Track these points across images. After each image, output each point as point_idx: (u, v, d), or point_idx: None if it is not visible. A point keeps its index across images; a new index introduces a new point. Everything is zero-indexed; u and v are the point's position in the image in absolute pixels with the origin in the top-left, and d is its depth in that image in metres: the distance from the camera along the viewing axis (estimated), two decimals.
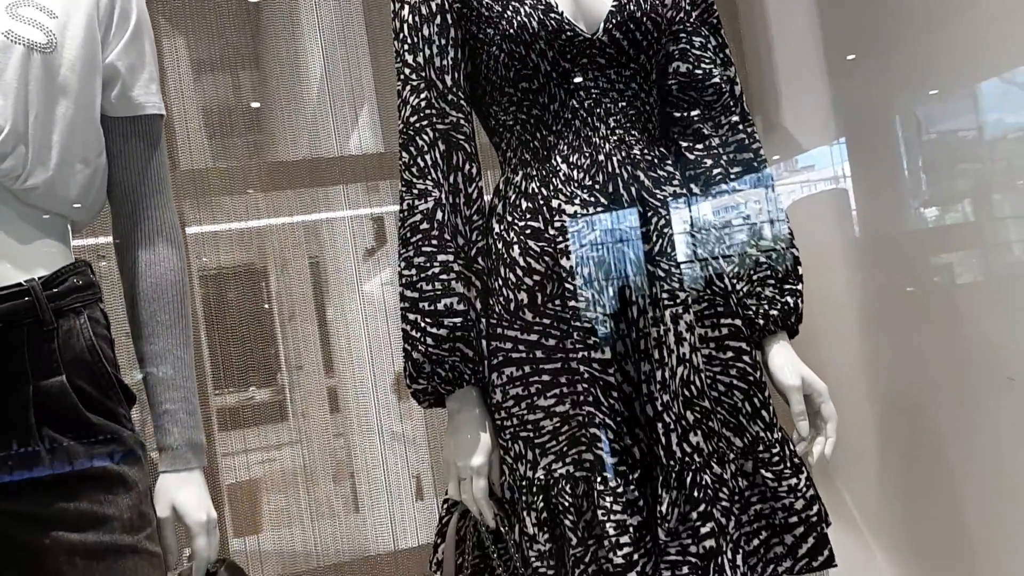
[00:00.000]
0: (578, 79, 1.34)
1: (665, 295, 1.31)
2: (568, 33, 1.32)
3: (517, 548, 1.32)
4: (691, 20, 1.46)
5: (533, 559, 1.30)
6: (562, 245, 1.31)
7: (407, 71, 1.36)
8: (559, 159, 1.35)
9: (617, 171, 1.33)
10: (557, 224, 1.32)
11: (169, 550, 1.22)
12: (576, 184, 1.33)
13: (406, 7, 1.37)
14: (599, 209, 1.32)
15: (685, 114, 1.45)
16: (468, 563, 1.40)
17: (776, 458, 1.32)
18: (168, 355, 1.25)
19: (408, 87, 1.36)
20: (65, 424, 1.09)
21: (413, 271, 1.33)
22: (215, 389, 2.14)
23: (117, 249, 1.29)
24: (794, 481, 1.31)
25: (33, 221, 1.14)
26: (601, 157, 1.34)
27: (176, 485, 1.22)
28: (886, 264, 1.51)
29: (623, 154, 1.35)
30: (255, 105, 2.22)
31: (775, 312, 1.37)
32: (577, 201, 1.32)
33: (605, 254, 1.31)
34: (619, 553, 1.23)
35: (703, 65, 1.45)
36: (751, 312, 1.37)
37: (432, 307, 1.31)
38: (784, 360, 1.36)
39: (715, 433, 1.29)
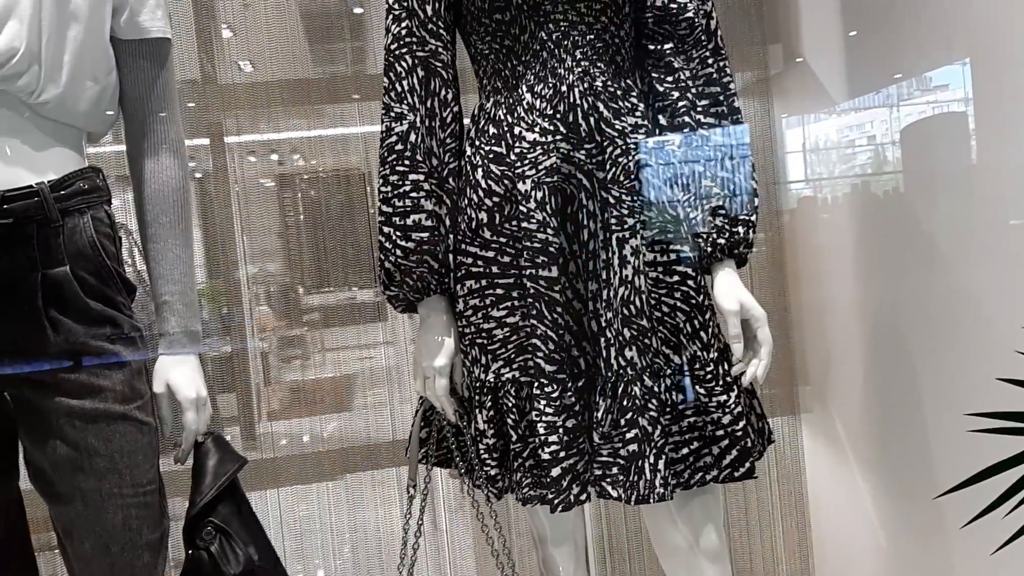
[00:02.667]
0: (547, 11, 1.42)
1: (613, 220, 1.40)
2: None
3: (472, 441, 1.48)
4: None
5: (483, 452, 1.46)
6: (520, 170, 1.41)
7: (391, 1, 1.47)
8: (525, 88, 1.44)
9: (578, 102, 1.42)
10: (517, 150, 1.42)
11: (163, 420, 1.42)
12: (538, 113, 1.42)
13: None
14: (558, 138, 1.41)
15: (658, 47, 1.51)
16: (433, 453, 1.56)
17: (709, 376, 1.42)
18: (168, 253, 1.42)
19: (391, 16, 1.47)
20: (67, 307, 1.28)
21: (388, 188, 1.46)
22: (319, 287, 2.26)
23: (128, 158, 1.45)
24: (724, 398, 1.41)
25: (47, 131, 1.31)
26: (564, 88, 1.42)
27: (171, 366, 1.41)
28: (1000, 194, 1.51)
29: (585, 85, 1.43)
30: (358, 11, 2.29)
31: (722, 241, 1.45)
32: (537, 129, 1.41)
33: (560, 180, 1.41)
34: (547, 450, 1.37)
35: None
36: (701, 240, 1.46)
37: (402, 222, 1.44)
38: (726, 286, 1.44)
39: (650, 349, 1.40)
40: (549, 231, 1.40)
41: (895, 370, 1.86)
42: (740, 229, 1.46)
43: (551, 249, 1.40)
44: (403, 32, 1.46)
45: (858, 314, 2.01)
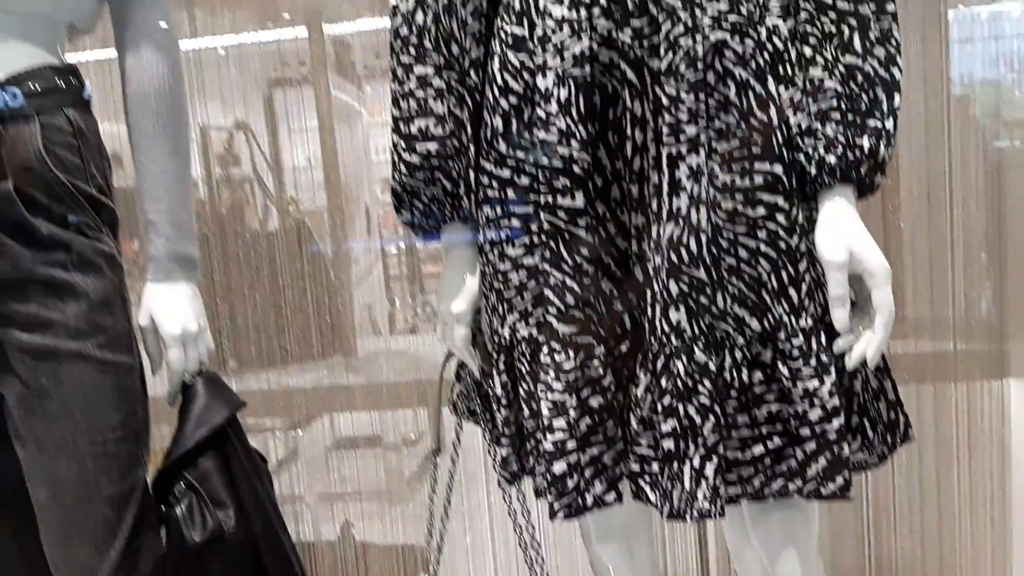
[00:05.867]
0: None
1: (666, 129, 1.01)
2: None
3: (496, 404, 1.18)
4: None
5: (499, 421, 1.15)
6: (540, 59, 1.04)
7: None
8: None
9: None
10: (539, 31, 1.05)
11: (151, 357, 1.25)
12: None
13: None
14: (594, 11, 1.02)
15: None
16: (463, 405, 1.28)
17: (796, 352, 1.00)
18: (152, 165, 1.22)
19: None
20: (11, 230, 1.12)
21: (395, 84, 1.15)
22: None
23: (117, 53, 1.26)
24: (813, 384, 0.99)
25: (1, 24, 1.13)
26: None
27: (156, 295, 1.23)
28: None
29: None
30: None
31: (833, 158, 1.00)
32: (566, 1, 1.03)
33: (597, 72, 1.03)
34: (550, 438, 1.04)
35: None
36: (803, 156, 1.02)
37: (407, 129, 1.14)
38: (833, 225, 1.00)
39: (710, 311, 1.01)
40: (574, 144, 1.03)
41: None
42: (864, 142, 1.00)
43: (575, 169, 1.03)
44: None
45: None
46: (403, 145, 1.14)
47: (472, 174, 1.15)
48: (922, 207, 1.62)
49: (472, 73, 1.14)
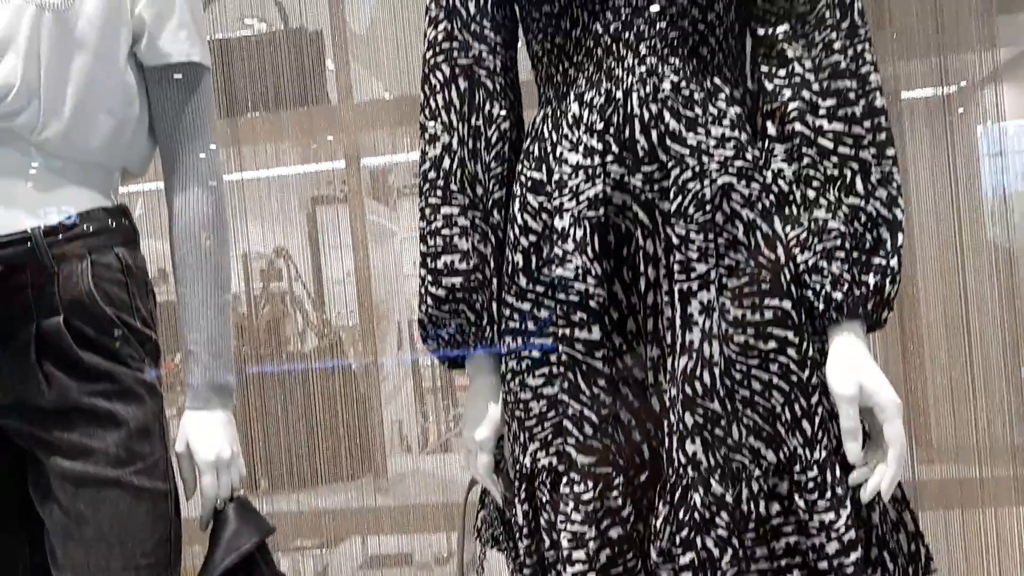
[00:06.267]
0: None
1: (677, 267, 1.06)
2: None
3: (518, 533, 1.20)
4: None
5: (522, 550, 1.17)
6: (557, 202, 1.11)
7: (429, 1, 1.23)
8: (573, 97, 1.13)
9: (636, 111, 1.09)
10: (556, 176, 1.12)
11: (185, 483, 1.29)
12: (585, 127, 1.11)
13: None
14: (607, 159, 1.09)
15: (769, 31, 1.13)
16: (486, 532, 1.30)
17: (811, 484, 1.02)
18: (195, 297, 1.29)
19: (428, 18, 1.23)
20: (61, 361, 1.18)
21: (423, 223, 1.22)
22: None
23: (165, 192, 1.35)
24: (829, 517, 1.01)
25: (56, 169, 1.23)
26: (619, 94, 1.10)
27: (192, 423, 1.28)
28: None
29: (648, 89, 1.09)
30: None
31: (839, 295, 1.04)
32: (581, 148, 1.10)
33: (610, 213, 1.09)
34: (570, 570, 1.05)
35: None
36: (810, 292, 1.06)
37: (433, 264, 1.20)
38: (843, 359, 1.03)
39: (726, 443, 1.03)
40: (590, 280, 1.08)
41: None
42: (869, 279, 1.04)
43: (591, 304, 1.08)
44: (441, 36, 1.21)
45: None
46: (430, 279, 1.20)
47: (495, 306, 1.20)
48: (941, 334, 1.64)
49: (495, 212, 1.20)
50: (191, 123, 1.31)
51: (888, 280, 1.04)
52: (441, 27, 1.21)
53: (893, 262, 1.05)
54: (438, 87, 1.21)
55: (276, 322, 2.45)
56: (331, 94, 2.07)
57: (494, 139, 1.20)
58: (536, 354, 1.13)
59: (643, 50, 1.10)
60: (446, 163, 1.19)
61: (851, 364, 1.03)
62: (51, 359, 1.18)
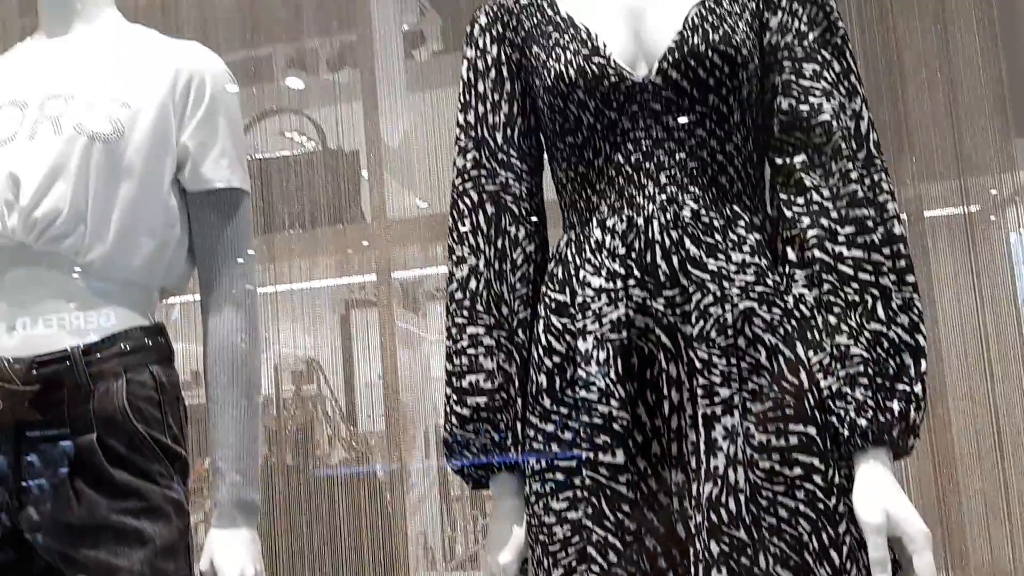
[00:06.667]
0: (626, 129, 1.15)
1: (700, 391, 1.07)
2: (612, 79, 1.14)
3: None
4: (804, 44, 1.17)
5: None
6: (581, 324, 1.13)
7: (458, 131, 1.29)
8: (596, 223, 1.17)
9: (657, 237, 1.12)
10: (580, 299, 1.14)
11: None
12: (607, 252, 1.14)
13: (465, 62, 1.30)
14: (630, 283, 1.12)
15: (786, 160, 1.16)
16: None
17: None
18: (225, 415, 1.32)
19: (457, 148, 1.28)
20: (92, 478, 1.20)
21: (449, 342, 1.25)
22: None
23: (201, 309, 1.39)
24: None
25: (97, 290, 1.27)
26: (641, 221, 1.13)
27: (218, 540, 1.29)
28: None
29: (669, 216, 1.12)
30: None
31: (864, 421, 1.04)
32: (604, 272, 1.13)
33: (631, 336, 1.10)
34: None
35: (811, 98, 1.15)
36: (835, 418, 1.06)
37: (459, 383, 1.22)
38: (869, 487, 1.03)
39: (749, 572, 1.02)
40: (614, 403, 1.09)
41: None
42: (894, 406, 1.04)
43: (615, 426, 1.09)
44: (470, 165, 1.26)
45: None
46: (455, 398, 1.22)
47: (520, 426, 1.21)
48: (973, 454, 1.62)
49: (520, 332, 1.22)
50: (229, 244, 1.35)
51: (913, 406, 1.04)
52: (470, 156, 1.26)
53: (917, 388, 1.05)
54: (466, 212, 1.25)
55: (306, 427, 2.47)
56: (365, 211, 2.13)
57: (519, 261, 1.24)
58: (560, 477, 1.13)
59: (663, 179, 1.14)
60: (472, 284, 1.23)
61: (878, 492, 1.02)
62: (83, 476, 1.20)
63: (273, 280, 2.16)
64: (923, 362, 1.06)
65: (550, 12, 1.23)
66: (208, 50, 1.38)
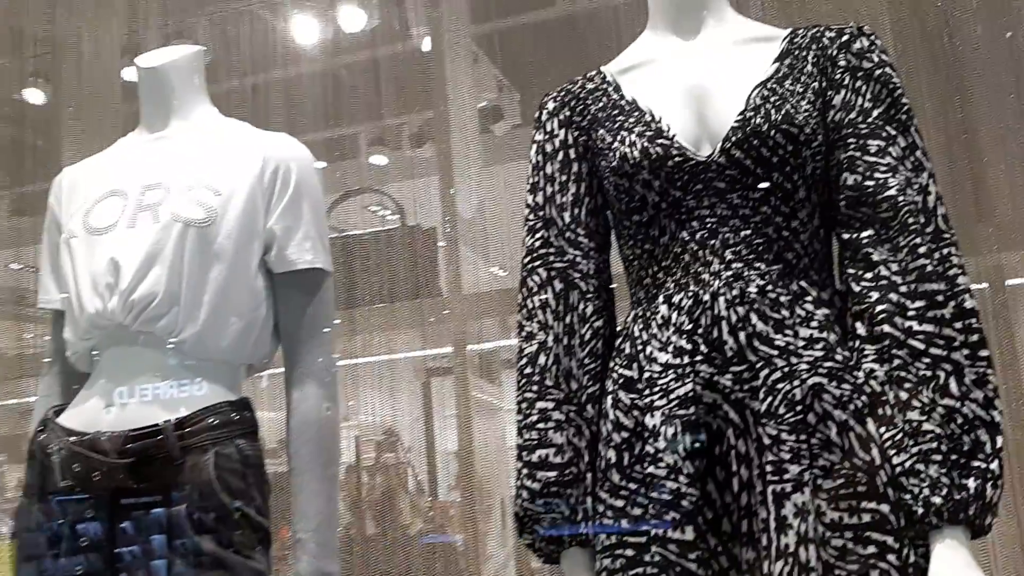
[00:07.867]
0: (691, 207, 1.18)
1: (770, 468, 1.06)
2: (676, 159, 1.18)
3: None
4: (869, 120, 1.19)
5: None
6: (648, 399, 1.14)
7: (527, 211, 1.33)
8: (662, 299, 1.19)
9: (723, 313, 1.13)
10: (647, 375, 1.16)
11: None
12: (674, 328, 1.16)
13: (533, 145, 1.35)
14: (696, 359, 1.13)
15: (854, 236, 1.17)
16: None
17: None
18: (306, 488, 1.37)
19: (526, 227, 1.33)
20: (180, 548, 1.26)
21: (519, 417, 1.27)
22: None
23: (284, 383, 1.45)
24: None
25: (188, 367, 1.35)
26: (707, 297, 1.15)
27: None
28: None
29: (735, 292, 1.14)
30: None
31: (939, 499, 1.02)
32: (671, 349, 1.15)
33: (699, 412, 1.11)
34: None
35: (876, 174, 1.16)
36: (908, 496, 1.04)
37: (529, 458, 1.24)
38: (946, 568, 1.00)
39: None
40: (682, 479, 1.10)
41: None
42: (970, 483, 1.02)
43: (684, 503, 1.09)
44: (538, 244, 1.30)
45: None
46: (525, 472, 1.24)
47: (589, 501, 1.22)
48: None
49: (589, 407, 1.24)
50: (312, 322, 1.42)
51: (990, 484, 1.02)
52: (538, 235, 1.30)
53: (994, 465, 1.03)
54: (535, 289, 1.29)
55: (388, 495, 2.50)
56: (442, 284, 2.19)
57: (588, 337, 1.26)
58: (630, 553, 1.14)
59: (729, 256, 1.16)
60: (542, 359, 1.25)
61: (955, 573, 0.99)
62: (172, 544, 1.26)
63: (354, 353, 2.23)
64: (999, 438, 1.04)
65: (615, 96, 1.27)
66: (294, 139, 1.47)
